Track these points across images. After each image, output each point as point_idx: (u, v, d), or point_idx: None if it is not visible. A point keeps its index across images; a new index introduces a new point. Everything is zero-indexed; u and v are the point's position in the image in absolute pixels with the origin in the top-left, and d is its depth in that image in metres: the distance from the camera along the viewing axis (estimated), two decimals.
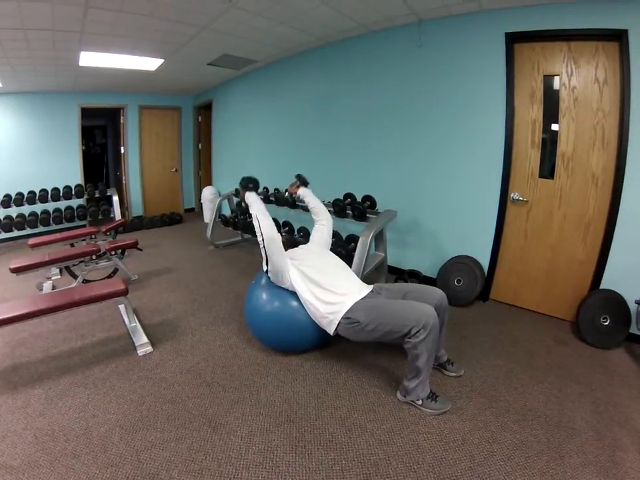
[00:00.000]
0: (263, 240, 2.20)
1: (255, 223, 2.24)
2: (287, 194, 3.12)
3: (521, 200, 3.06)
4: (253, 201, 2.34)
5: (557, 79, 2.82)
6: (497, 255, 3.25)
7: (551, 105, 2.85)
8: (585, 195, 2.78)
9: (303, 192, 2.85)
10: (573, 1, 2.61)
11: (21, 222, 5.43)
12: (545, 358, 2.43)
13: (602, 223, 2.71)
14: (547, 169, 2.95)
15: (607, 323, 2.57)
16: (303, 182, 2.87)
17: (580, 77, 2.71)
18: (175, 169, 7.73)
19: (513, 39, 2.89)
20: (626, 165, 2.56)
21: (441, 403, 1.90)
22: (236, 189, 4.64)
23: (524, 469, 1.57)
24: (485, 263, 3.28)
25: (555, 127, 2.87)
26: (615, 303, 2.58)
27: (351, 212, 3.41)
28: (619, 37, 2.49)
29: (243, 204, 2.44)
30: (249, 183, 2.40)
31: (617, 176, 2.60)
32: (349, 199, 3.50)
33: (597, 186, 2.72)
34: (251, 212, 2.32)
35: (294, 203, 3.93)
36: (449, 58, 3.28)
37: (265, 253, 2.22)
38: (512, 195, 3.09)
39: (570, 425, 1.83)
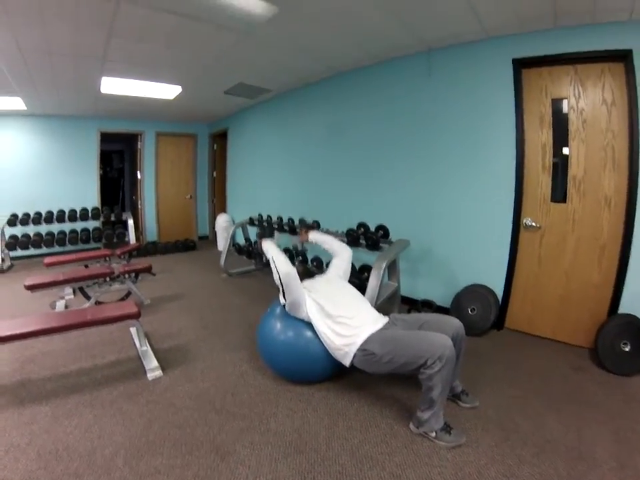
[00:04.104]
0: (279, 277, 2.24)
1: (271, 264, 2.31)
2: (299, 245, 3.19)
3: (533, 226, 3.02)
4: (268, 246, 2.47)
5: (565, 102, 2.84)
6: (510, 283, 3.18)
7: (560, 128, 2.86)
8: (598, 218, 2.74)
9: (312, 236, 2.92)
10: (575, 24, 2.66)
11: (38, 240, 5.61)
12: (562, 386, 2.36)
13: (617, 245, 2.66)
14: (559, 193, 2.92)
15: (627, 349, 2.48)
16: (308, 227, 2.92)
17: (588, 99, 2.73)
18: (189, 196, 7.86)
19: (520, 65, 2.94)
20: (638, 184, 2.53)
21: (455, 436, 1.84)
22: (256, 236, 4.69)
23: None
24: (499, 291, 3.22)
25: (565, 150, 2.87)
26: (635, 327, 2.50)
27: (364, 241, 3.39)
28: (623, 57, 2.53)
29: (264, 257, 2.64)
30: (264, 234, 2.65)
31: (630, 196, 2.57)
32: (362, 229, 3.49)
33: (609, 207, 2.69)
34: (267, 256, 2.42)
35: (304, 253, 3.95)
36: (458, 85, 3.33)
37: (282, 288, 2.25)
38: (524, 220, 3.05)
39: (591, 455, 1.75)
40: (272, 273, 2.33)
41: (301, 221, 4.23)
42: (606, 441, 1.84)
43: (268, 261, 2.36)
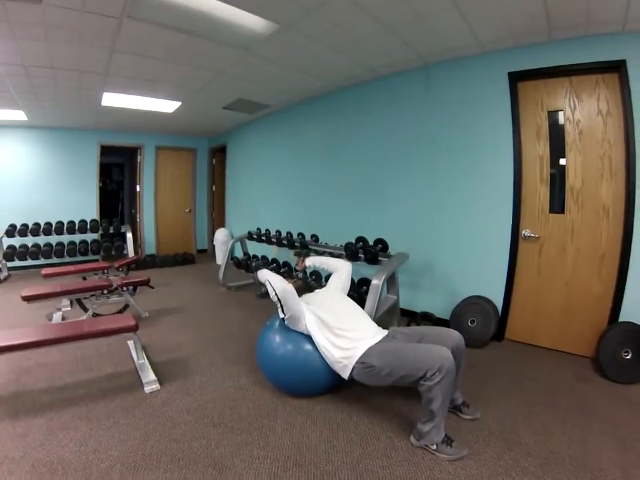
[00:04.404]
0: (276, 295, 2.24)
1: (268, 287, 2.32)
2: (299, 274, 3.22)
3: (532, 236, 3.03)
4: (263, 273, 2.48)
5: (561, 113, 2.88)
6: (510, 294, 3.18)
7: (557, 139, 2.90)
8: (596, 227, 2.75)
9: (310, 262, 2.96)
10: (570, 37, 2.72)
11: (36, 252, 5.58)
12: (565, 397, 2.33)
13: (616, 253, 2.67)
14: (557, 204, 2.94)
15: (628, 357, 2.47)
16: (304, 254, 2.97)
17: (583, 110, 2.77)
18: (188, 210, 7.88)
19: (516, 78, 2.99)
20: (636, 192, 2.55)
21: (456, 448, 1.81)
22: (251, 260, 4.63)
23: None
24: (499, 302, 3.21)
25: (562, 161, 2.89)
26: (636, 335, 2.49)
27: (363, 255, 3.37)
28: (617, 68, 2.57)
29: (263, 289, 2.65)
30: (258, 266, 2.64)
31: (628, 205, 2.59)
32: (361, 243, 3.47)
33: (608, 217, 2.71)
34: (262, 281, 2.43)
35: (306, 277, 3.92)
36: (455, 100, 3.38)
37: (281, 304, 2.26)
38: (523, 232, 3.07)
39: (596, 465, 1.72)
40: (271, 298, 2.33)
41: (300, 235, 4.21)
42: (611, 451, 1.82)
43: (267, 291, 2.35)
